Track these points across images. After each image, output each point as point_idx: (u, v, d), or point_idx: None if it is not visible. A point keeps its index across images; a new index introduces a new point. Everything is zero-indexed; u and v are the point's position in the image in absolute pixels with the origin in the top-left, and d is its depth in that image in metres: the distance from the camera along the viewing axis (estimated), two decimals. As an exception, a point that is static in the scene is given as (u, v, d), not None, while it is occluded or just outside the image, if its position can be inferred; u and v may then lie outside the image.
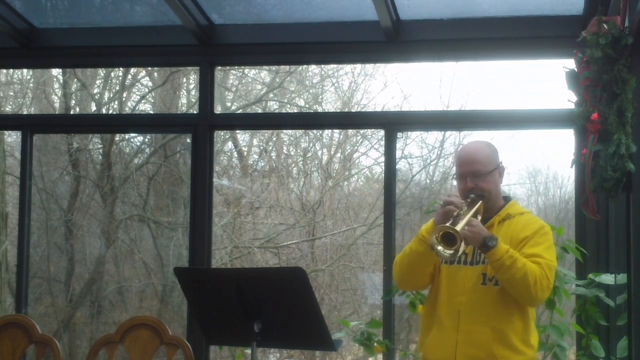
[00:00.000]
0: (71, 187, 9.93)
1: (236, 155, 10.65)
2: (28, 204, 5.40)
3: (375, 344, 4.82)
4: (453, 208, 3.17)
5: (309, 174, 10.62)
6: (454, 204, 3.19)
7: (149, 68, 9.95)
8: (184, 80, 10.43)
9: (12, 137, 9.36)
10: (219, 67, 8.00)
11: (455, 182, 3.42)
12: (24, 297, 5.29)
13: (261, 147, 10.86)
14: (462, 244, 3.09)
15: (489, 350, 3.21)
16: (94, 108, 10.14)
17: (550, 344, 4.53)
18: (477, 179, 3.30)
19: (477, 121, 5.28)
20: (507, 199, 3.45)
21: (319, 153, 10.84)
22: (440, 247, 3.12)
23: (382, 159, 5.88)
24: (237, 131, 10.17)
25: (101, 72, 10.04)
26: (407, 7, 4.82)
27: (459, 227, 3.10)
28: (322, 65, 10.14)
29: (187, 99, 10.61)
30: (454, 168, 3.42)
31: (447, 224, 3.12)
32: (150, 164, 9.98)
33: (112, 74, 10.14)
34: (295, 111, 10.28)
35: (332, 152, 10.71)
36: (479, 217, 3.26)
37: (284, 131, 10.49)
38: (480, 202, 3.28)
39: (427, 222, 3.41)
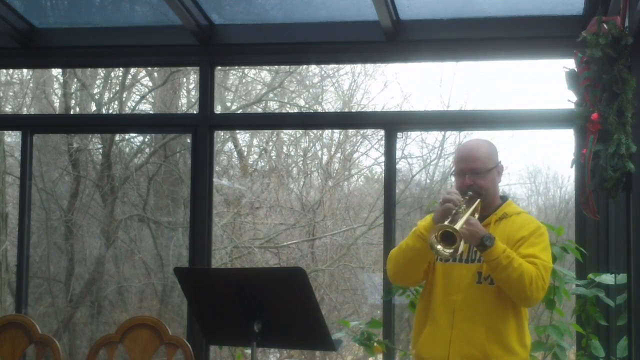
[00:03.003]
0: (71, 187, 9.93)
1: (236, 155, 10.64)
2: (28, 204, 5.39)
3: (375, 344, 4.82)
4: (452, 206, 3.17)
5: (309, 174, 10.61)
6: (453, 202, 3.18)
7: (149, 68, 9.95)
8: (184, 80, 10.43)
9: (12, 137, 9.36)
10: (219, 67, 8.01)
11: (453, 179, 3.42)
12: (24, 297, 5.29)
13: (261, 147, 10.86)
14: (462, 243, 3.09)
15: (482, 349, 3.21)
16: (94, 108, 10.14)
17: (550, 344, 4.52)
18: (476, 177, 3.30)
19: (477, 121, 5.28)
20: (504, 198, 3.44)
21: (319, 153, 10.85)
22: (439, 247, 3.12)
23: (382, 159, 5.88)
24: (237, 131, 10.18)
25: (101, 72, 10.04)
26: (407, 7, 4.82)
27: (457, 226, 3.10)
28: (322, 65, 10.14)
29: (187, 99, 10.61)
30: (454, 164, 3.43)
31: (446, 222, 3.12)
32: (150, 164, 9.98)
33: (112, 74, 10.13)
34: (295, 111, 10.28)
35: (332, 152, 10.70)
36: (476, 216, 3.25)
37: (284, 131, 10.49)
38: (478, 200, 3.28)
39: (424, 218, 3.42)
